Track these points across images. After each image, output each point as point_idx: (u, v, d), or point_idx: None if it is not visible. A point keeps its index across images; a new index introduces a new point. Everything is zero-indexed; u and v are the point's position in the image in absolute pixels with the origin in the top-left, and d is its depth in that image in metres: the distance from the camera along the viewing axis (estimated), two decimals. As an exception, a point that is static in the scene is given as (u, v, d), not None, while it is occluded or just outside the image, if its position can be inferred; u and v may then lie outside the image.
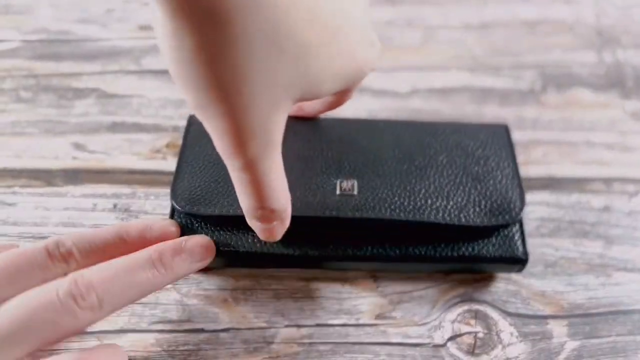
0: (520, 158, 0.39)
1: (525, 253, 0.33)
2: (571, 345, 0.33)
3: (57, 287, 0.26)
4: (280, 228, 0.30)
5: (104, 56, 0.45)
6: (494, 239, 0.34)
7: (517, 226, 0.34)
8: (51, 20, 0.47)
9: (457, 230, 0.34)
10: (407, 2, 0.50)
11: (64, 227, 0.37)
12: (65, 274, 0.27)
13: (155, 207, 0.38)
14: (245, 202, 0.29)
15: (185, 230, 0.33)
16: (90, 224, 0.37)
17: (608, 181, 0.40)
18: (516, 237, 0.34)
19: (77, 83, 0.44)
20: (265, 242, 0.33)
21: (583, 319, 0.34)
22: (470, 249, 0.34)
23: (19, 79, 0.44)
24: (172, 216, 0.34)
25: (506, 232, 0.34)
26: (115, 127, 0.42)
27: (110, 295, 0.27)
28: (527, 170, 0.40)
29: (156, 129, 0.41)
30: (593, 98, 0.44)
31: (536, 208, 0.38)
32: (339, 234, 0.34)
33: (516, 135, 0.40)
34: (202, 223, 0.34)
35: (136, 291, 0.28)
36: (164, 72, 0.44)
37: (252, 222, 0.30)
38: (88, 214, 0.37)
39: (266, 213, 0.29)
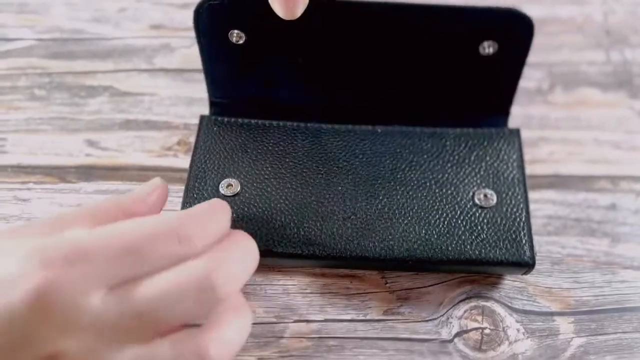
0: (527, 157, 0.39)
1: (532, 257, 0.34)
2: (577, 341, 0.33)
3: (196, 275, 0.25)
4: (300, 3, 0.30)
5: (116, 55, 0.46)
6: (500, 243, 0.34)
7: (525, 230, 0.34)
8: (65, 19, 0.48)
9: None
10: (418, 1, 0.50)
11: (78, 223, 0.38)
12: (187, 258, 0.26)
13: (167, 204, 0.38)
14: None
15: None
16: (103, 220, 0.38)
17: (615, 179, 0.40)
18: (523, 242, 0.34)
19: (91, 81, 0.44)
20: (274, 242, 0.34)
21: (589, 315, 0.34)
22: (477, 252, 0.34)
23: (34, 77, 0.45)
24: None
25: (513, 236, 0.34)
26: (127, 125, 0.42)
27: (236, 289, 0.27)
28: (534, 168, 0.40)
29: (167, 126, 0.42)
30: (601, 97, 0.44)
31: (543, 206, 0.38)
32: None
33: (524, 134, 0.40)
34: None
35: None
36: (175, 71, 0.45)
37: None
38: (101, 210, 0.38)
39: None
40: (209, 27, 0.36)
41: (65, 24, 0.48)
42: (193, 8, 0.35)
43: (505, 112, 0.39)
